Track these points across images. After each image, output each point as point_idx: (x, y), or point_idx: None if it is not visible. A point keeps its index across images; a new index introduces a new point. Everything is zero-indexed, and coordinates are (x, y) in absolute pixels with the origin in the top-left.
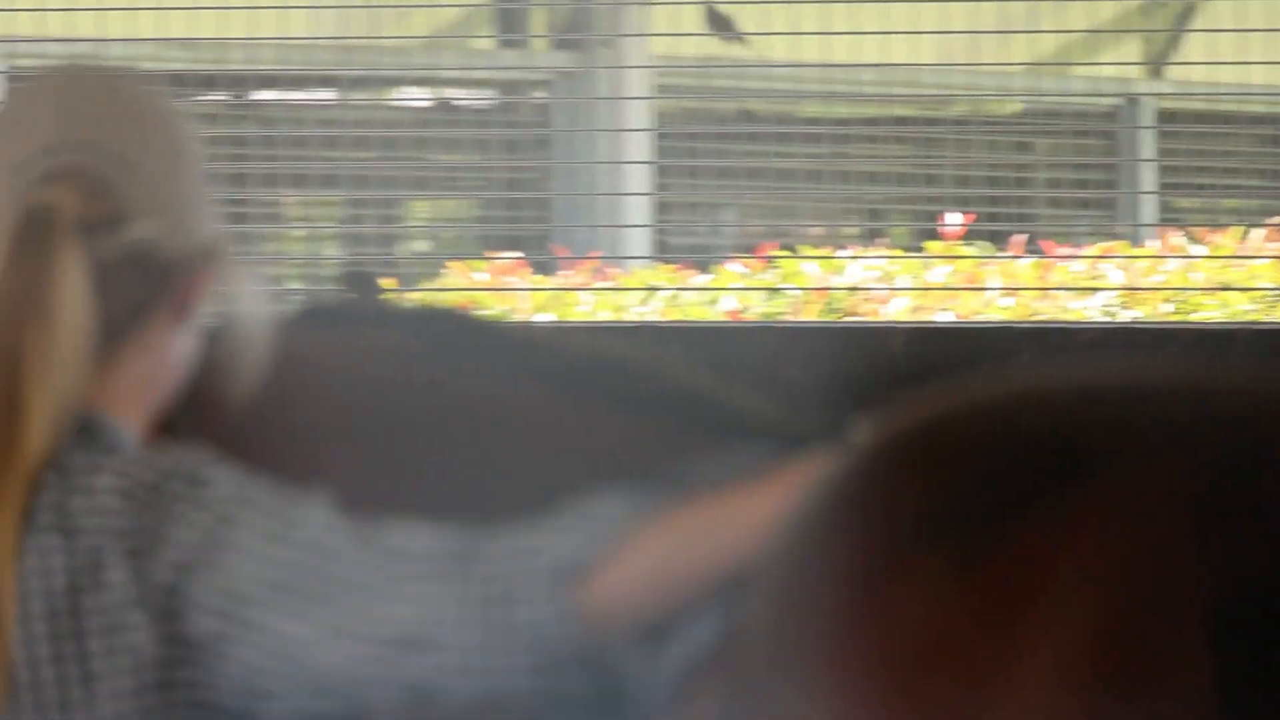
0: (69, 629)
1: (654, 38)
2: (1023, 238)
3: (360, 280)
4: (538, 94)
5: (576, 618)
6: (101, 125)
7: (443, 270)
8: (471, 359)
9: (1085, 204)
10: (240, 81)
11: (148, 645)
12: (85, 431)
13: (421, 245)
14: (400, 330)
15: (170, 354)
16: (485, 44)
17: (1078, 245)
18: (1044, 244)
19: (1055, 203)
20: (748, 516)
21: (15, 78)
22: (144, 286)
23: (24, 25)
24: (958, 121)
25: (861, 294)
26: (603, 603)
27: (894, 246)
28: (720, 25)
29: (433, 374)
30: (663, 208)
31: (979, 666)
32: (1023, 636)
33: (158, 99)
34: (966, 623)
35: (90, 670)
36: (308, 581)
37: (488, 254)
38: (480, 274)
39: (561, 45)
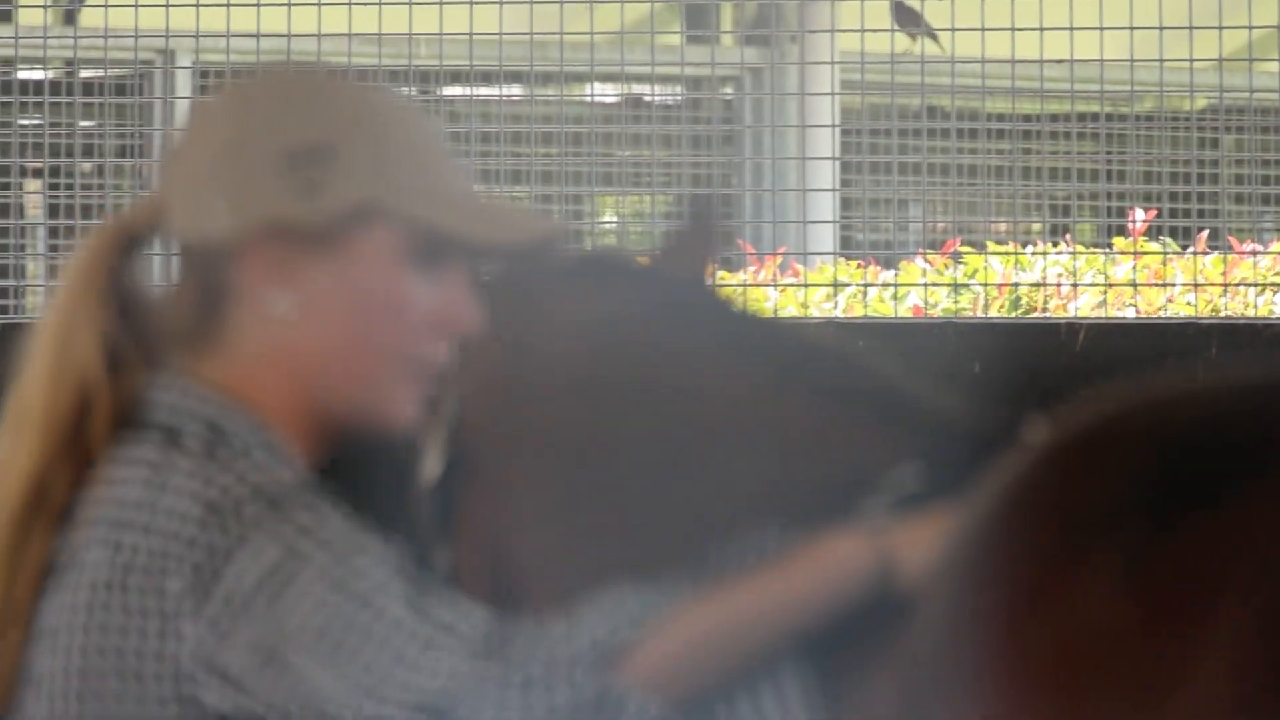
0: (113, 623)
1: (842, 33)
2: (1206, 234)
3: (699, 210)
4: (725, 90)
5: (617, 696)
6: (181, 131)
7: None
8: (700, 331)
9: (1270, 200)
10: (428, 77)
11: (187, 661)
12: (212, 428)
13: (608, 241)
14: (641, 294)
15: (268, 344)
16: (673, 40)
17: (1262, 241)
18: (1229, 240)
19: (1240, 199)
20: (782, 594)
21: (204, 74)
22: (208, 274)
23: (213, 20)
24: (1143, 117)
25: (1045, 290)
26: (644, 680)
27: (1078, 243)
28: (907, 20)
29: (660, 340)
30: (848, 204)
31: (1153, 663)
32: (1198, 633)
33: (246, 85)
34: (1141, 619)
35: (127, 667)
36: (350, 635)
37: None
38: None
39: (749, 41)
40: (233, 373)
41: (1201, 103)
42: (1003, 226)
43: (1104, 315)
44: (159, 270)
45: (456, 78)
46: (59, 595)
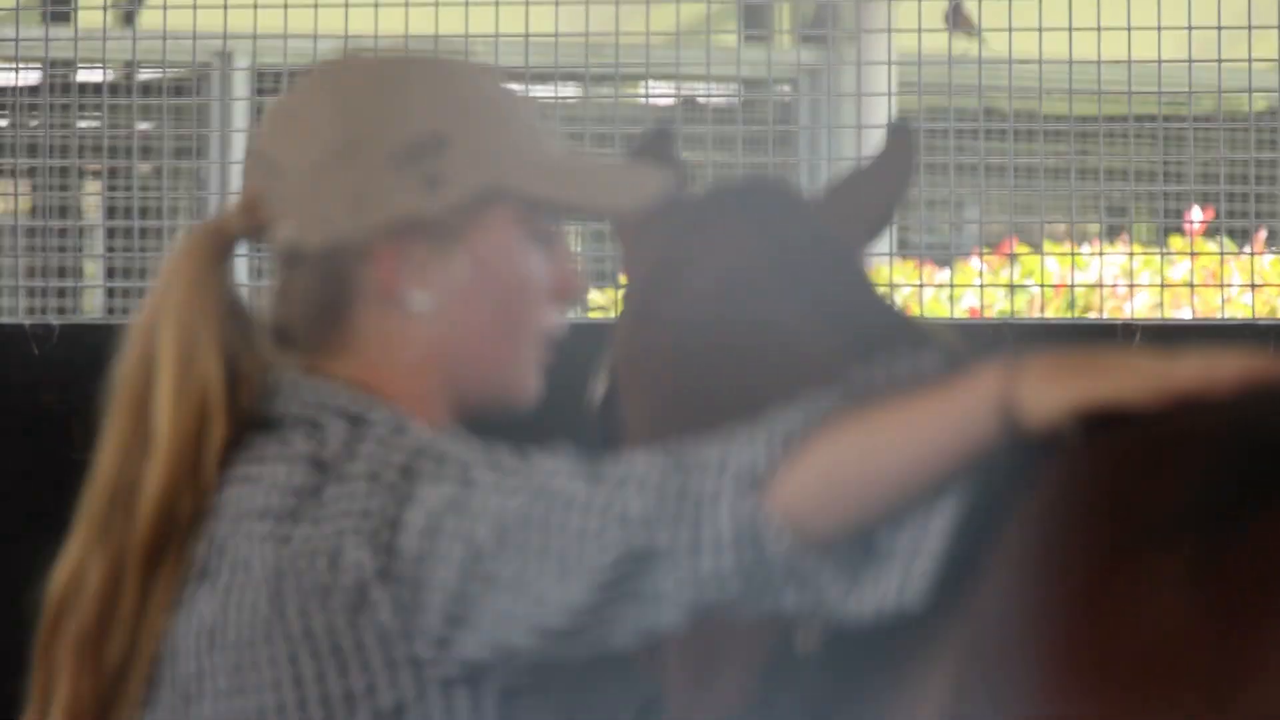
0: (291, 609)
1: (899, 33)
2: (1264, 234)
3: (900, 130)
4: (782, 90)
5: (769, 522)
6: (270, 129)
7: None
8: (814, 276)
9: None
10: None
11: (391, 619)
12: (353, 419)
13: None
14: (781, 230)
15: (398, 337)
16: (729, 40)
17: None
18: None
19: None
20: (928, 419)
21: (262, 75)
22: (325, 278)
23: (270, 22)
24: (1201, 118)
25: (1102, 291)
26: (790, 508)
27: (1135, 243)
28: (960, 23)
29: (774, 283)
30: (904, 204)
31: (1218, 663)
32: (1263, 635)
33: (340, 79)
34: (1207, 620)
35: (337, 645)
36: (535, 529)
37: None
38: None
39: (805, 41)
40: (365, 369)
41: (1261, 104)
42: (1060, 227)
43: (1160, 316)
44: (247, 272)
45: (513, 79)
46: (214, 598)
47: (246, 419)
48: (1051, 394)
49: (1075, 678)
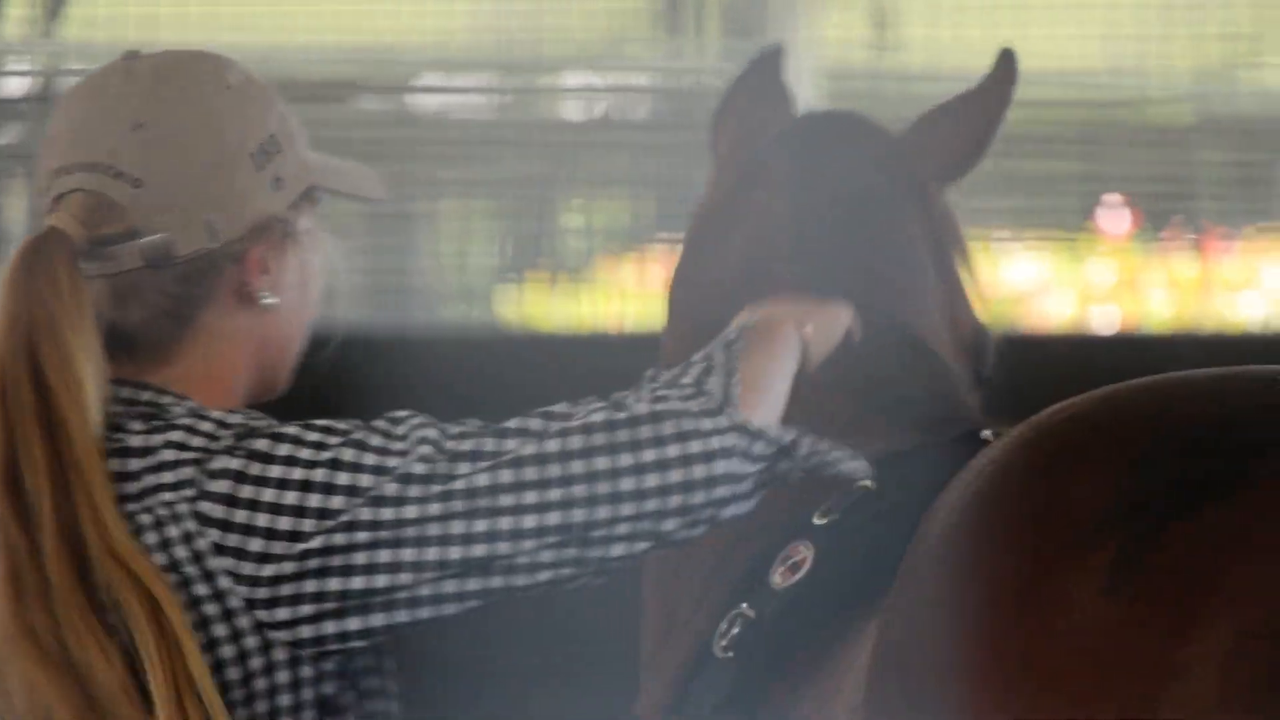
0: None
1: (821, 43)
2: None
3: (1009, 57)
4: (702, 94)
5: (748, 422)
6: (111, 140)
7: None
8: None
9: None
10: (403, 82)
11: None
12: (192, 413)
13: (579, 242)
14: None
15: (242, 333)
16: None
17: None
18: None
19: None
20: (781, 351)
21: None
22: (186, 282)
23: (193, 32)
24: (1121, 125)
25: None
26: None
27: (1053, 247)
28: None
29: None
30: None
31: (1140, 668)
32: (1187, 634)
33: (191, 90)
34: (1127, 624)
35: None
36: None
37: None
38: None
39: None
40: (188, 373)
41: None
42: (981, 234)
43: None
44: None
45: (429, 80)
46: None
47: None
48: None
49: (993, 684)
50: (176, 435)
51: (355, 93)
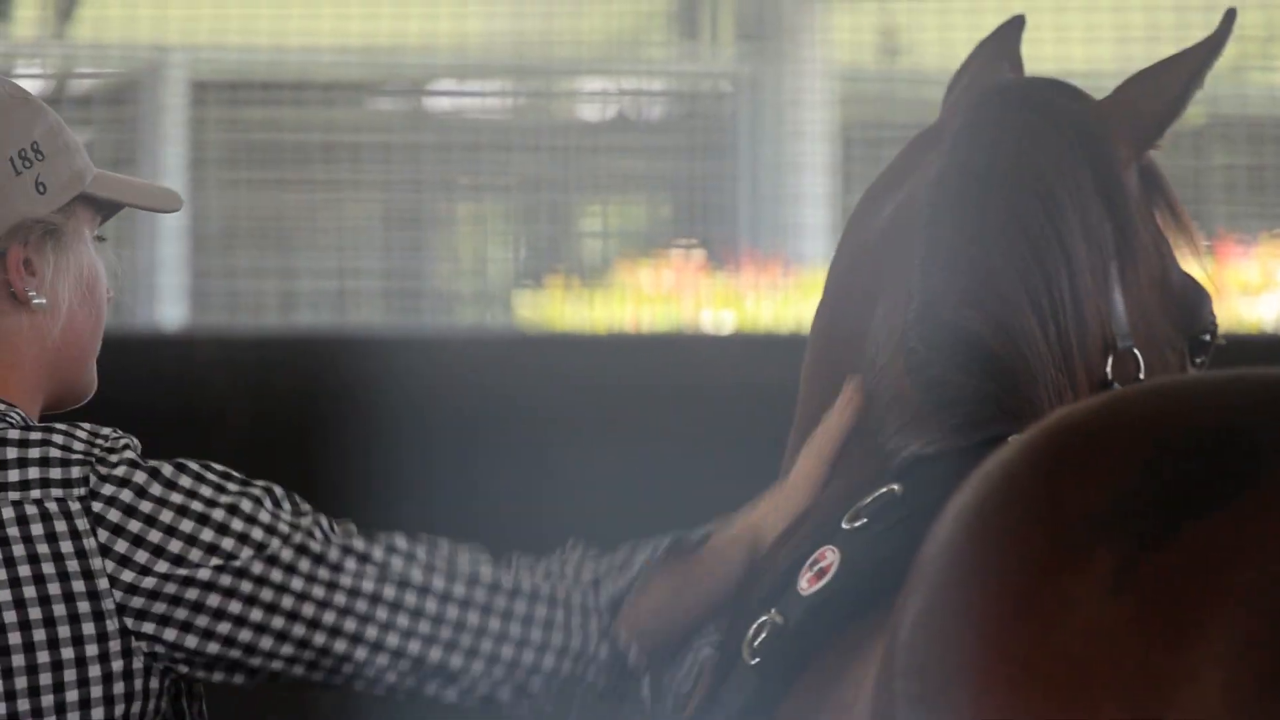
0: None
1: (836, 45)
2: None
3: (1229, 17)
4: (717, 97)
5: (621, 637)
6: None
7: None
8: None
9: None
10: (416, 85)
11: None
12: None
13: (595, 245)
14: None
15: (19, 334)
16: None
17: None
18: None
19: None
20: (712, 576)
21: (199, 85)
22: None
23: (203, 34)
24: None
25: None
26: (633, 628)
27: None
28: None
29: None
30: (846, 213)
31: (1144, 674)
32: (1193, 639)
33: None
34: (1135, 624)
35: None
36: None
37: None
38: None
39: (744, 51)
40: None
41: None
42: None
43: None
44: None
45: (444, 83)
46: None
47: None
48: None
49: (997, 687)
50: (58, 437)
51: (370, 95)
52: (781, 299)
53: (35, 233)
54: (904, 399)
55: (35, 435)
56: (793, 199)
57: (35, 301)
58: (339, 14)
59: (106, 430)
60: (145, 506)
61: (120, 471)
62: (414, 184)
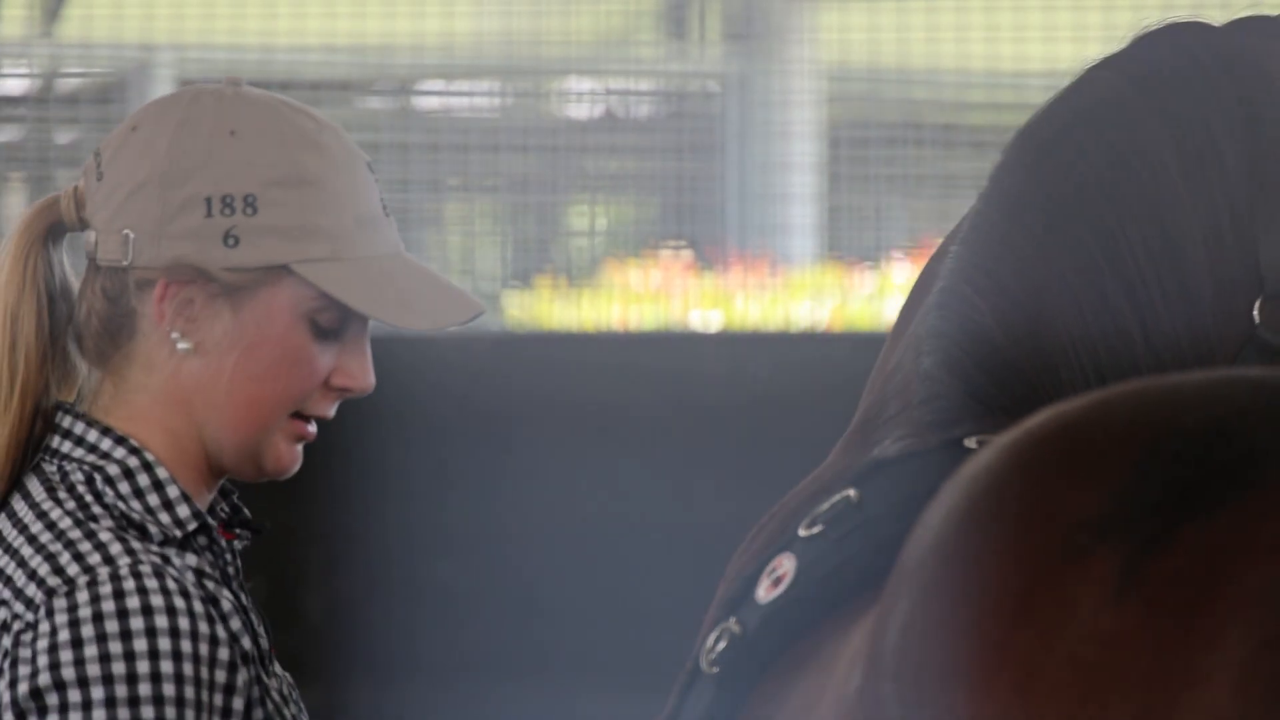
0: None
1: (824, 47)
2: None
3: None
4: (705, 97)
5: None
6: (119, 133)
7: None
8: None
9: None
10: (404, 85)
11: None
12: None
13: (583, 244)
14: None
15: (163, 375)
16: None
17: None
18: None
19: None
20: None
21: (187, 85)
22: (113, 292)
23: (191, 33)
24: None
25: None
26: None
27: None
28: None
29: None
30: (833, 212)
31: (1158, 674)
32: (1198, 642)
33: (202, 122)
34: (1139, 627)
35: None
36: None
37: (662, 248)
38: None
39: (730, 46)
40: (131, 407)
41: None
42: None
43: None
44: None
45: (432, 83)
46: None
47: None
48: None
49: (997, 693)
50: (76, 543)
51: (358, 94)
52: (769, 298)
53: (197, 279)
54: (906, 391)
55: (66, 522)
56: (780, 198)
57: (180, 346)
58: (327, 13)
59: (125, 561)
60: (39, 643)
61: (43, 645)
62: (402, 183)
